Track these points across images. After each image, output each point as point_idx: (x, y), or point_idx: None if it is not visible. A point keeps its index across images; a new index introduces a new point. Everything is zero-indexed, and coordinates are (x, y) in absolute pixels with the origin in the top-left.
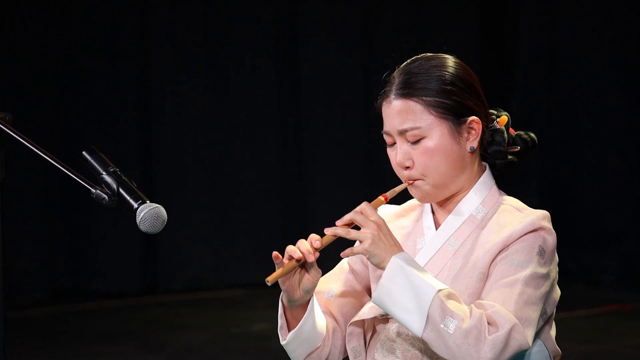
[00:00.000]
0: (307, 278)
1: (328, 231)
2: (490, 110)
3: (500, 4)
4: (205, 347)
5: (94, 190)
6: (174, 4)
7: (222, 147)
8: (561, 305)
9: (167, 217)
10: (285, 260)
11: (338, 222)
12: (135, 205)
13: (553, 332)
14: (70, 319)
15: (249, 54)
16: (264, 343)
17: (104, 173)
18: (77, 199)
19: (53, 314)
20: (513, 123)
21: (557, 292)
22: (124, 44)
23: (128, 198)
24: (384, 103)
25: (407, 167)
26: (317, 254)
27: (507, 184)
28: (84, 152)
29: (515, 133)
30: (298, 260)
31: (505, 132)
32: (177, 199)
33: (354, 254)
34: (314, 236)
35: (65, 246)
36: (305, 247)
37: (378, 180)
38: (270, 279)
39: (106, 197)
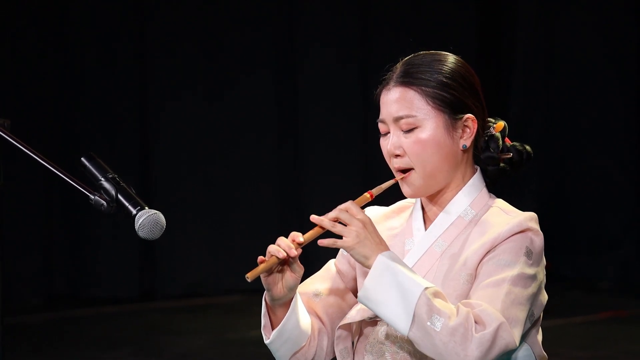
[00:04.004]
0: (290, 275)
1: (314, 219)
2: (488, 118)
3: (498, 6)
4: (203, 353)
5: (92, 197)
6: (173, 9)
7: (220, 154)
8: (558, 311)
9: (166, 223)
10: (267, 259)
11: (322, 218)
12: (134, 212)
13: (540, 336)
14: (68, 325)
15: (247, 60)
16: (262, 349)
17: (102, 179)
18: (75, 204)
19: (50, 320)
20: (511, 126)
21: (545, 295)
22: (122, 50)
23: (127, 204)
24: (383, 91)
25: (398, 155)
26: (300, 250)
27: (504, 189)
28: (82, 158)
29: (511, 143)
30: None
31: (500, 139)
32: (176, 205)
33: (335, 246)
34: (295, 233)
35: (62, 252)
36: (286, 242)
37: (376, 184)
38: (250, 275)
39: (105, 203)
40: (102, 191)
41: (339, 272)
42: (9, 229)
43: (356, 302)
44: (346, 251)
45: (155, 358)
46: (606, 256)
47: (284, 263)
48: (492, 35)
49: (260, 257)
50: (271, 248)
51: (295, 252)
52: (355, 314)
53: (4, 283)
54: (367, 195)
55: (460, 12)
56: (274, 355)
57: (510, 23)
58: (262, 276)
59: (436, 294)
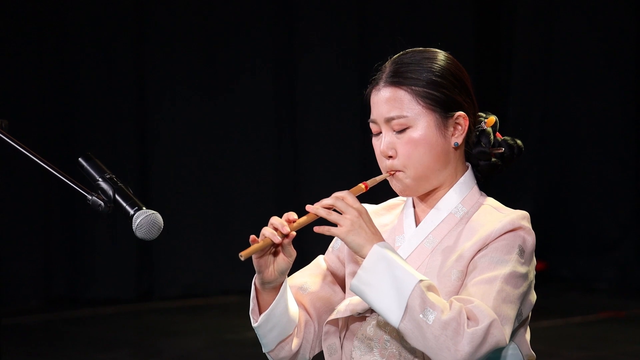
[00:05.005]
0: (282, 258)
1: (310, 209)
2: (479, 113)
3: (497, 6)
4: (201, 354)
5: (90, 197)
6: (172, 10)
7: (218, 154)
8: (556, 312)
9: (164, 223)
10: (260, 240)
11: (317, 204)
12: (132, 212)
13: (528, 335)
14: (66, 326)
15: (247, 60)
16: (260, 350)
17: (100, 179)
18: (73, 205)
19: (48, 321)
20: (510, 129)
21: (534, 295)
22: (120, 50)
23: (124, 204)
24: (373, 91)
25: (390, 157)
26: (293, 234)
27: (504, 189)
28: (79, 159)
29: (502, 138)
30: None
31: (491, 134)
32: (173, 206)
33: (330, 233)
34: (289, 213)
35: (60, 253)
36: (280, 221)
37: (375, 185)
38: (244, 254)
39: (102, 203)
40: (99, 191)
41: (328, 267)
42: (8, 229)
43: (344, 298)
44: (340, 239)
45: (153, 359)
46: (605, 257)
47: (277, 246)
48: (492, 35)
49: (253, 237)
50: (266, 231)
51: (287, 229)
52: (344, 309)
53: (2, 284)
54: (361, 185)
55: (459, 13)
56: (261, 342)
57: (509, 23)
58: (254, 257)
59: (430, 288)
